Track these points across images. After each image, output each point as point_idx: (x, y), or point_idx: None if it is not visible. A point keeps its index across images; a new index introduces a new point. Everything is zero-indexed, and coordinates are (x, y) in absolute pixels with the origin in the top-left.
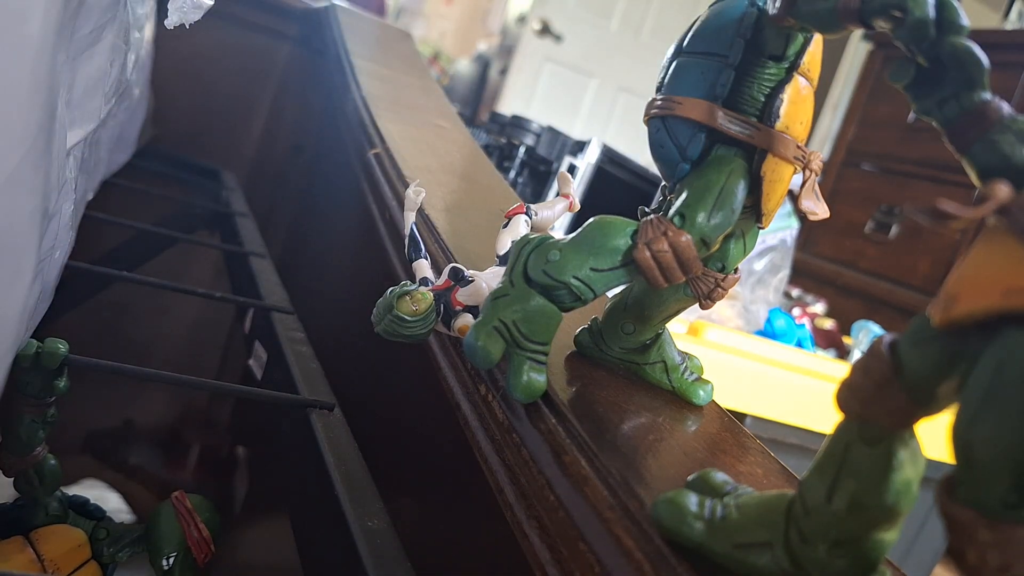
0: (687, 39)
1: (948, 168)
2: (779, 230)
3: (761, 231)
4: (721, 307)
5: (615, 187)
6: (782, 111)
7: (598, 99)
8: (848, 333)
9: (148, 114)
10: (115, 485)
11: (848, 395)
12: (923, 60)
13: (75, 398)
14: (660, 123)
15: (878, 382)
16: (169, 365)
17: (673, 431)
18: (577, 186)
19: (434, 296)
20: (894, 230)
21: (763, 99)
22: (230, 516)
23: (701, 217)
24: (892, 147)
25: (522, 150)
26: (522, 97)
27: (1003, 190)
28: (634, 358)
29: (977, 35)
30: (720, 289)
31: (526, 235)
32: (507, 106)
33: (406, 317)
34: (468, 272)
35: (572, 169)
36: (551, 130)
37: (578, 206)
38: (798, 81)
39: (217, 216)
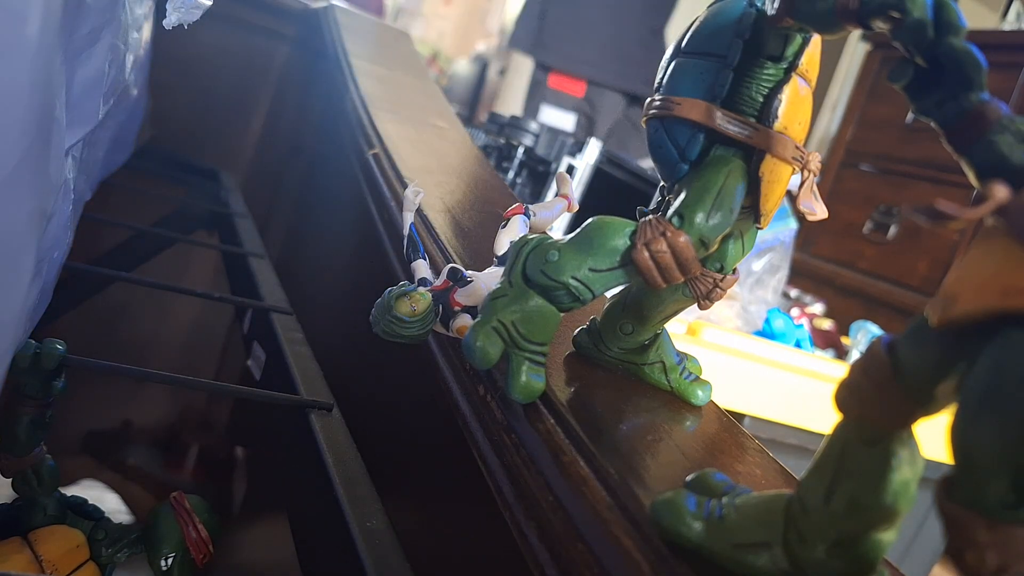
0: (685, 39)
1: (947, 169)
2: (778, 230)
3: (760, 231)
4: (720, 307)
5: (614, 188)
6: (780, 112)
7: None
8: (847, 333)
9: (146, 115)
10: (113, 486)
11: (847, 395)
12: (921, 61)
13: (73, 398)
14: (659, 123)
15: (877, 382)
16: (168, 365)
17: (672, 431)
18: (576, 187)
19: (433, 297)
20: (892, 230)
21: (761, 100)
22: (229, 517)
23: (700, 217)
24: (891, 148)
25: (521, 150)
26: (521, 97)
27: (1001, 190)
28: (633, 358)
29: (975, 36)
30: (718, 289)
31: (525, 235)
32: (506, 106)
33: (404, 318)
34: (467, 272)
35: (571, 169)
36: (550, 130)
37: (576, 207)
38: (796, 82)
39: (216, 217)
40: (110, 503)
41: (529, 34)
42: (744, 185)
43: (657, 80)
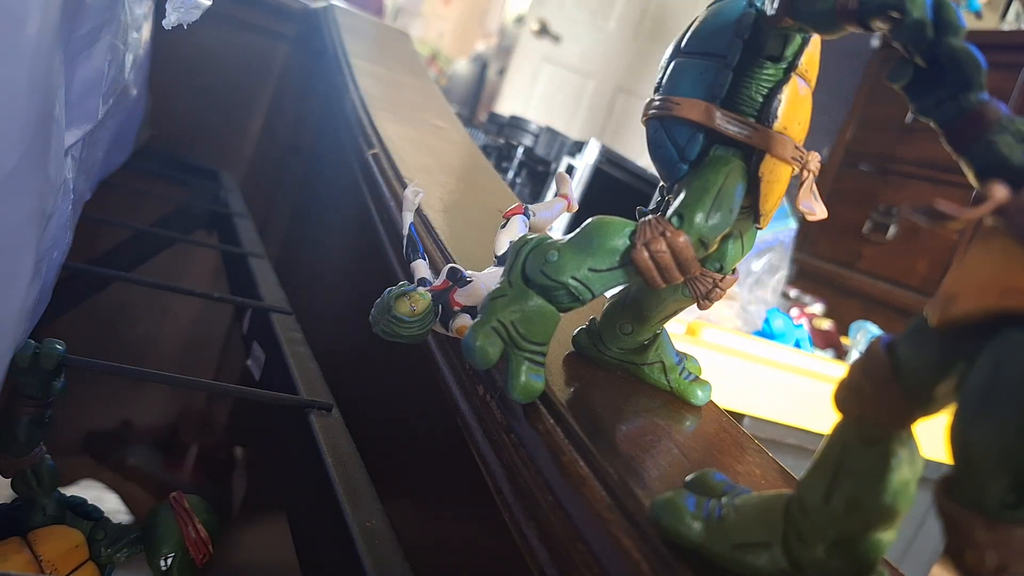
0: (685, 39)
1: (946, 169)
2: (777, 230)
3: (759, 231)
4: (719, 307)
5: (613, 187)
6: (780, 112)
7: (596, 100)
8: (846, 333)
9: (146, 114)
10: (113, 485)
11: (846, 395)
12: (921, 61)
13: (73, 398)
14: (658, 123)
15: (876, 382)
16: (167, 365)
17: (671, 431)
18: (575, 187)
19: (432, 297)
20: (892, 230)
21: (761, 100)
22: (228, 517)
23: (699, 217)
24: (890, 148)
25: (520, 150)
26: (520, 98)
27: (1001, 190)
28: (632, 358)
29: (975, 36)
30: (718, 289)
31: (524, 235)
32: (505, 107)
33: (404, 318)
34: (466, 272)
35: (570, 169)
36: (549, 130)
37: (576, 207)
38: (796, 82)
39: (215, 216)
40: (110, 503)
41: None
42: (744, 185)
43: (657, 80)
